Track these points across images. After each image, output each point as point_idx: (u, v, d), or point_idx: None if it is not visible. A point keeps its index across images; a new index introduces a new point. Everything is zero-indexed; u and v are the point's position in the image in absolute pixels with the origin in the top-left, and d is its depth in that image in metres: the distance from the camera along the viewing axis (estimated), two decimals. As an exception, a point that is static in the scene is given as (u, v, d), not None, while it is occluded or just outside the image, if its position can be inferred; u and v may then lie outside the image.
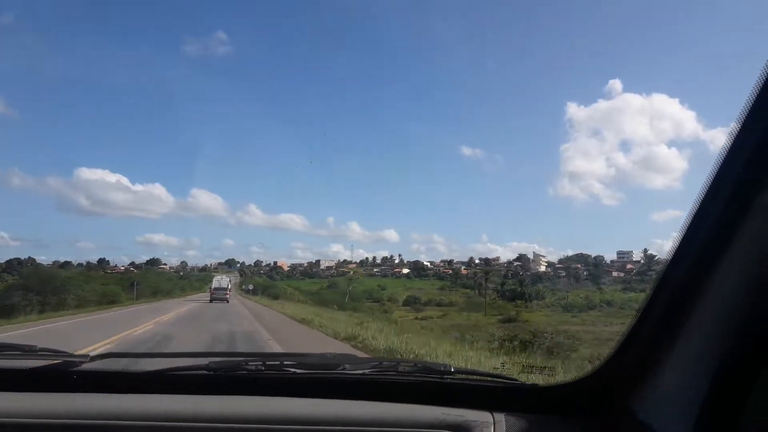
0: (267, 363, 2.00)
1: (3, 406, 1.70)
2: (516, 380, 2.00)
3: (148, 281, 76.06)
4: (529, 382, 2.00)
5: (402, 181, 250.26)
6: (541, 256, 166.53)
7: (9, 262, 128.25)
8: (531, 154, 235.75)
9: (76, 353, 2.11)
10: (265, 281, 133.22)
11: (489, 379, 2.04)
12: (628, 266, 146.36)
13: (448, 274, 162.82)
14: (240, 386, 1.89)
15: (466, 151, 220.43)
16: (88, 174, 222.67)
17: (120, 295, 55.42)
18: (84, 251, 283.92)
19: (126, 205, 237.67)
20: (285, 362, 2.02)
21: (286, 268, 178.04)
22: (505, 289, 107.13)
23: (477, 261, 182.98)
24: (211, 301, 49.26)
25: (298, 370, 1.95)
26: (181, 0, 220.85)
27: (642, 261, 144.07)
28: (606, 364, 1.67)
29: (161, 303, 48.33)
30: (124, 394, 1.81)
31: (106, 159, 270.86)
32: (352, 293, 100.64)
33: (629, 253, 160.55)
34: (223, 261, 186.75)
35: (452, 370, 1.92)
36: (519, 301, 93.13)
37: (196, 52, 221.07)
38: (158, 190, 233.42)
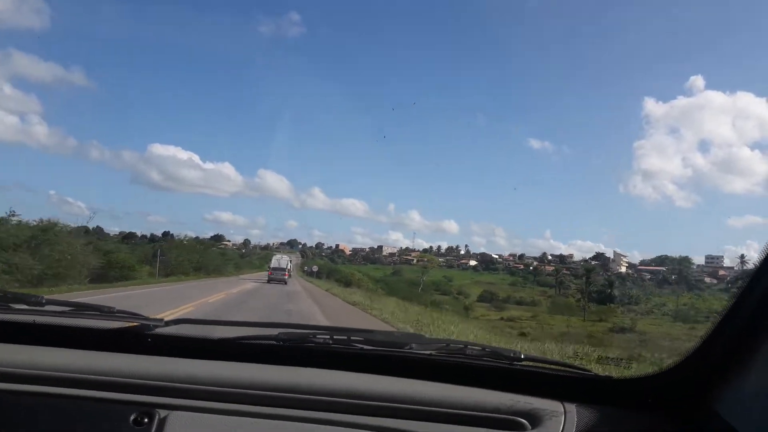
0: (335, 337, 2.01)
1: (83, 364, 1.76)
2: (589, 371, 1.95)
3: (191, 254, 58.00)
4: (604, 374, 1.95)
5: (466, 171, 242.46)
6: (622, 255, 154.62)
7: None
8: (602, 150, 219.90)
9: (151, 317, 2.16)
10: (326, 263, 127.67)
11: (561, 368, 1.97)
12: (720, 272, 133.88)
13: (519, 269, 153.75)
14: (308, 358, 1.90)
15: (535, 143, 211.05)
16: (161, 150, 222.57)
17: (134, 268, 39.42)
18: (154, 225, 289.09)
19: (196, 182, 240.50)
20: (353, 337, 1.99)
21: (347, 252, 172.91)
22: (591, 289, 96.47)
23: (550, 257, 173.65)
24: (268, 281, 47.49)
25: (366, 346, 1.95)
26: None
27: (735, 267, 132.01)
28: (686, 360, 1.61)
29: (198, 282, 39.54)
30: (196, 359, 1.85)
31: (179, 137, 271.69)
32: (417, 283, 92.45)
33: (720, 258, 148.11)
34: (285, 241, 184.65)
35: (522, 357, 1.88)
36: (610, 305, 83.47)
37: (270, 31, 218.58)
38: (227, 168, 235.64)
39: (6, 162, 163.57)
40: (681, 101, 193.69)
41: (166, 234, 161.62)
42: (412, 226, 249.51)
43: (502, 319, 56.17)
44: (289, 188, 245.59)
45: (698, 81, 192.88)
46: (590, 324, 54.67)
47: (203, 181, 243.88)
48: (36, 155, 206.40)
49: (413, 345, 1.96)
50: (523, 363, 1.86)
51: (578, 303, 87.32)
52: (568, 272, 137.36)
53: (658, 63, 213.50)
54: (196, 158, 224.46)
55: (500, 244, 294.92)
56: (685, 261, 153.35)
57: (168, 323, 2.06)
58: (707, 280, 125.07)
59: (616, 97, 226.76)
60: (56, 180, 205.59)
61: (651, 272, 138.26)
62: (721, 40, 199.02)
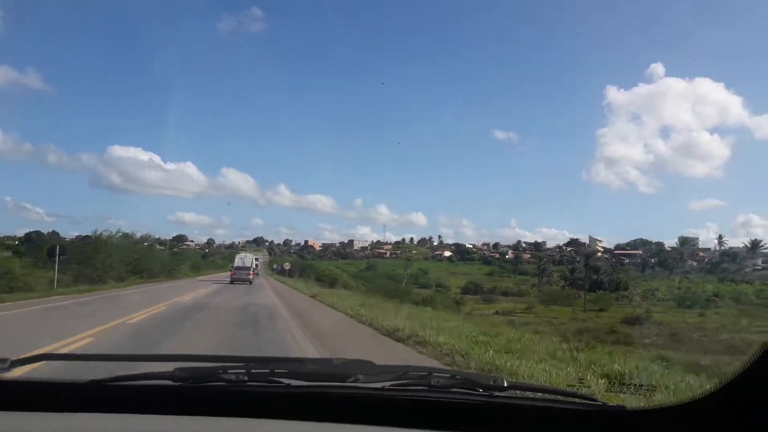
0: (252, 371, 1.55)
1: None
2: (595, 400, 1.58)
3: (126, 254, 43.09)
4: (614, 403, 1.57)
5: (431, 163, 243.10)
6: (597, 240, 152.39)
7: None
8: (566, 139, 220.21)
9: None
10: (295, 260, 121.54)
11: (558, 398, 1.59)
12: (700, 254, 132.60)
13: (494, 258, 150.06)
14: (214, 403, 1.46)
15: (499, 134, 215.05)
16: (120, 151, 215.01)
17: (17, 276, 26.62)
18: (114, 228, 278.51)
19: (158, 183, 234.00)
20: (276, 370, 1.56)
21: (317, 248, 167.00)
22: (575, 276, 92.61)
23: (524, 245, 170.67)
24: (231, 282, 44.42)
25: (294, 382, 1.53)
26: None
27: (713, 248, 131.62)
28: (726, 387, 1.27)
29: (125, 292, 27.96)
30: (56, 412, 1.37)
31: (139, 137, 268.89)
32: (393, 277, 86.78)
33: (695, 240, 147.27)
34: (251, 239, 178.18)
35: (505, 384, 1.53)
36: (600, 291, 79.85)
37: (231, 27, 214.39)
38: (190, 168, 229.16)
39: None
40: (642, 88, 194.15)
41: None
42: (380, 220, 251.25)
43: (497, 312, 51.20)
44: (253, 186, 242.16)
45: (658, 68, 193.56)
46: (594, 315, 50.10)
47: (165, 182, 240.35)
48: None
49: (359, 376, 1.51)
50: (507, 393, 1.48)
51: (565, 291, 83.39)
52: (545, 259, 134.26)
53: (619, 51, 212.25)
54: (157, 159, 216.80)
55: (468, 234, 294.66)
56: (660, 244, 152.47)
57: (14, 363, 1.55)
58: (690, 262, 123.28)
59: (579, 86, 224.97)
60: (12, 186, 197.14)
61: (627, 256, 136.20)
62: (681, 28, 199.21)
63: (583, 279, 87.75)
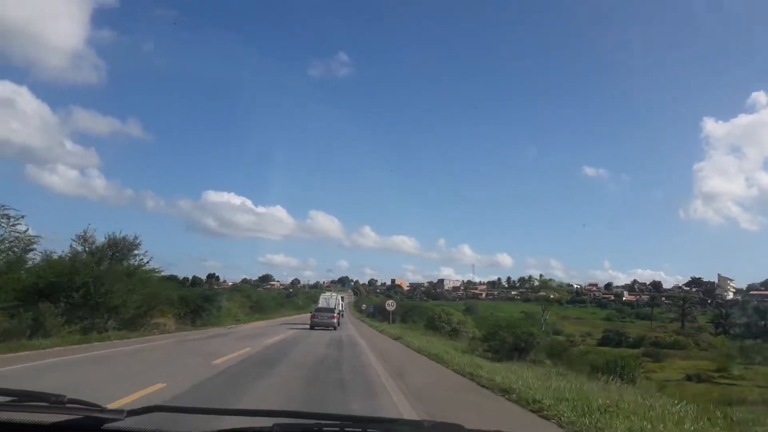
0: (346, 429, 1.64)
1: None
2: None
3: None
4: None
5: (518, 202, 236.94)
6: (729, 280, 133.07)
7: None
8: (660, 174, 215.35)
9: (108, 407, 1.90)
10: (381, 300, 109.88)
11: None
12: None
13: (609, 300, 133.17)
14: None
15: (589, 171, 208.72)
16: (214, 197, 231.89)
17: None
18: (209, 269, 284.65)
19: (249, 226, 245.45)
20: (369, 430, 1.64)
21: (405, 288, 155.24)
22: (730, 322, 75.99)
23: (635, 284, 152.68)
24: (311, 327, 36.59)
25: None
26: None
27: None
28: None
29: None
30: None
31: (232, 182, 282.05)
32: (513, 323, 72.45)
33: None
34: (336, 279, 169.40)
35: None
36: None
37: (319, 74, 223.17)
38: (279, 212, 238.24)
39: (66, 214, 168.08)
40: (743, 119, 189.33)
41: (210, 276, 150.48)
42: (464, 261, 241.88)
43: (689, 378, 37.45)
44: (339, 228, 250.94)
45: (761, 97, 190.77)
46: None
47: (256, 225, 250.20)
48: (95, 207, 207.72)
49: None
50: None
51: (730, 341, 67.22)
52: (669, 301, 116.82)
53: (716, 80, 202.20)
54: (249, 203, 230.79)
55: (557, 275, 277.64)
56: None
57: (130, 413, 1.76)
58: None
59: (674, 117, 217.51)
60: (115, 230, 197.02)
61: (763, 297, 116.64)
62: None
63: (743, 325, 71.13)
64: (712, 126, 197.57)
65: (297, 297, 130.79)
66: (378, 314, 73.49)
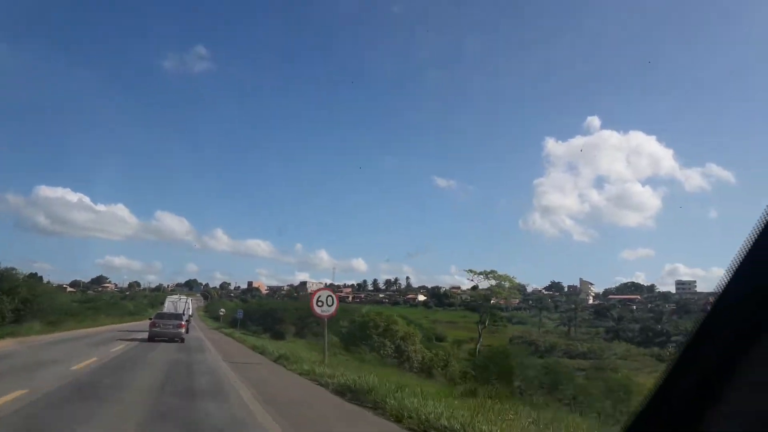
0: None
1: None
2: None
3: None
4: None
5: (374, 209, 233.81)
6: (589, 284, 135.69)
7: None
8: (505, 187, 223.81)
9: None
10: (237, 305, 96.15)
11: None
12: (711, 299, 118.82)
13: (477, 303, 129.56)
14: None
15: (440, 182, 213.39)
16: (48, 192, 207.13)
17: None
18: (41, 272, 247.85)
19: (87, 225, 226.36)
20: None
21: (264, 290, 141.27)
22: (629, 326, 73.44)
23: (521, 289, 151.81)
24: (150, 339, 28.17)
25: None
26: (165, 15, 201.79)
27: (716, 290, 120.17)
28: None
29: None
30: None
31: (68, 177, 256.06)
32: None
33: (692, 284, 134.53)
34: (182, 282, 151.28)
35: None
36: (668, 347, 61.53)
37: (174, 66, 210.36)
38: (121, 210, 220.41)
39: None
40: (578, 140, 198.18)
41: (32, 275, 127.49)
42: (321, 266, 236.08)
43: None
44: (189, 229, 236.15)
45: (595, 121, 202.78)
46: None
47: (95, 224, 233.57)
48: None
49: None
50: None
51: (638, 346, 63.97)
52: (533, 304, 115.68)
53: (558, 104, 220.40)
54: (86, 200, 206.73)
55: (410, 280, 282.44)
56: (650, 288, 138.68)
57: None
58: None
59: (519, 136, 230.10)
60: None
61: (621, 301, 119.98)
62: (617, 82, 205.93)
63: (642, 329, 68.42)
64: (552, 145, 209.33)
65: (131, 300, 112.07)
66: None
